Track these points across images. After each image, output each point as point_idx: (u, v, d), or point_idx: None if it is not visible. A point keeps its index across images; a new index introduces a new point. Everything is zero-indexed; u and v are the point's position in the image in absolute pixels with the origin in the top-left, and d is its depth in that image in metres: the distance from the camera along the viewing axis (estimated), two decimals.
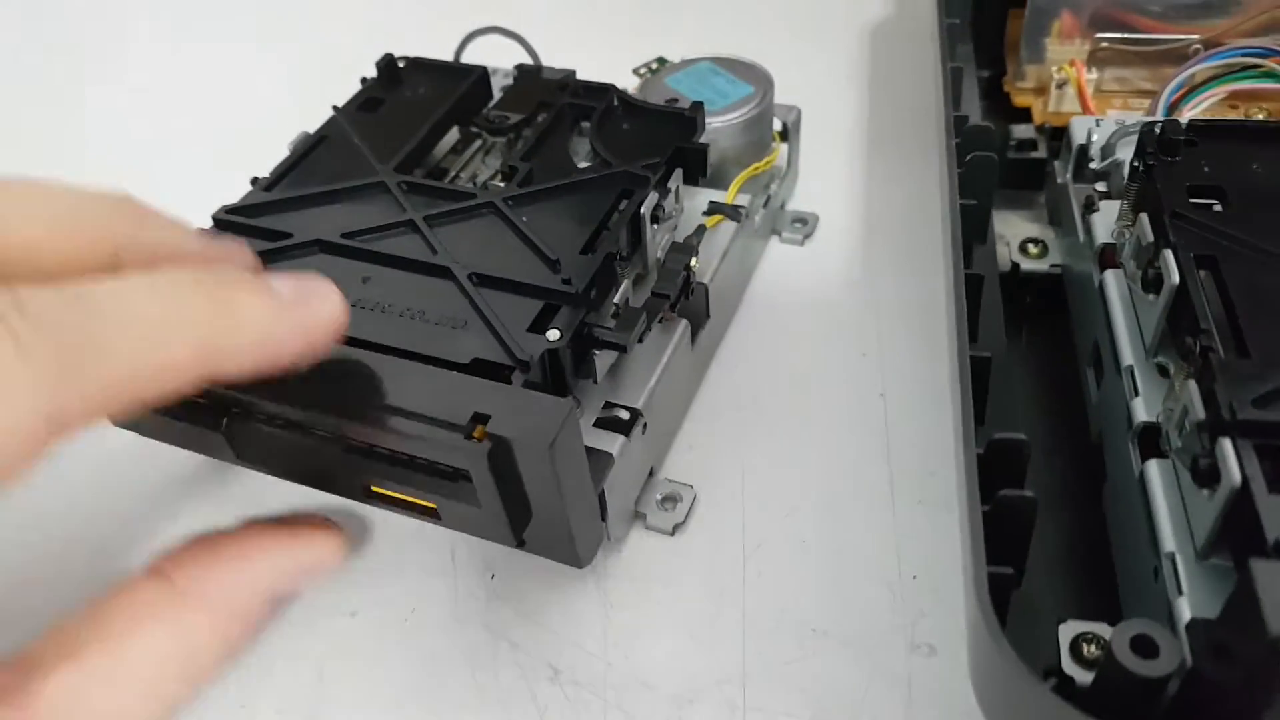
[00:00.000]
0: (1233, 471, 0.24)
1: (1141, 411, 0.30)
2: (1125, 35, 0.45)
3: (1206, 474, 0.26)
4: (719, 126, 0.41)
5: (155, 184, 0.33)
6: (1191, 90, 0.42)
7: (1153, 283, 0.31)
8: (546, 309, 0.32)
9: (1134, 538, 0.29)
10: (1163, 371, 0.31)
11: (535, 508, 0.28)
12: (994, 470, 0.28)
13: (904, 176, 0.49)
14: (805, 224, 0.47)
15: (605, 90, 0.40)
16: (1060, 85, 0.45)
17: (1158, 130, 0.33)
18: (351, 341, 0.30)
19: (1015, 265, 0.40)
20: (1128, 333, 0.32)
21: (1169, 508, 0.28)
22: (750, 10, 0.63)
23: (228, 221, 0.35)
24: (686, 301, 0.36)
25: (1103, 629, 0.27)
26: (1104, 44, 0.45)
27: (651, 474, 0.37)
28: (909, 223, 0.46)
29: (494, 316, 0.31)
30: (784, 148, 0.46)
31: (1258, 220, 0.30)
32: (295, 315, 0.27)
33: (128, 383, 0.24)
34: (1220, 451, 0.25)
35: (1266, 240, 0.29)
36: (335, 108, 0.41)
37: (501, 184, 0.38)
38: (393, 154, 0.38)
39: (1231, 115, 0.43)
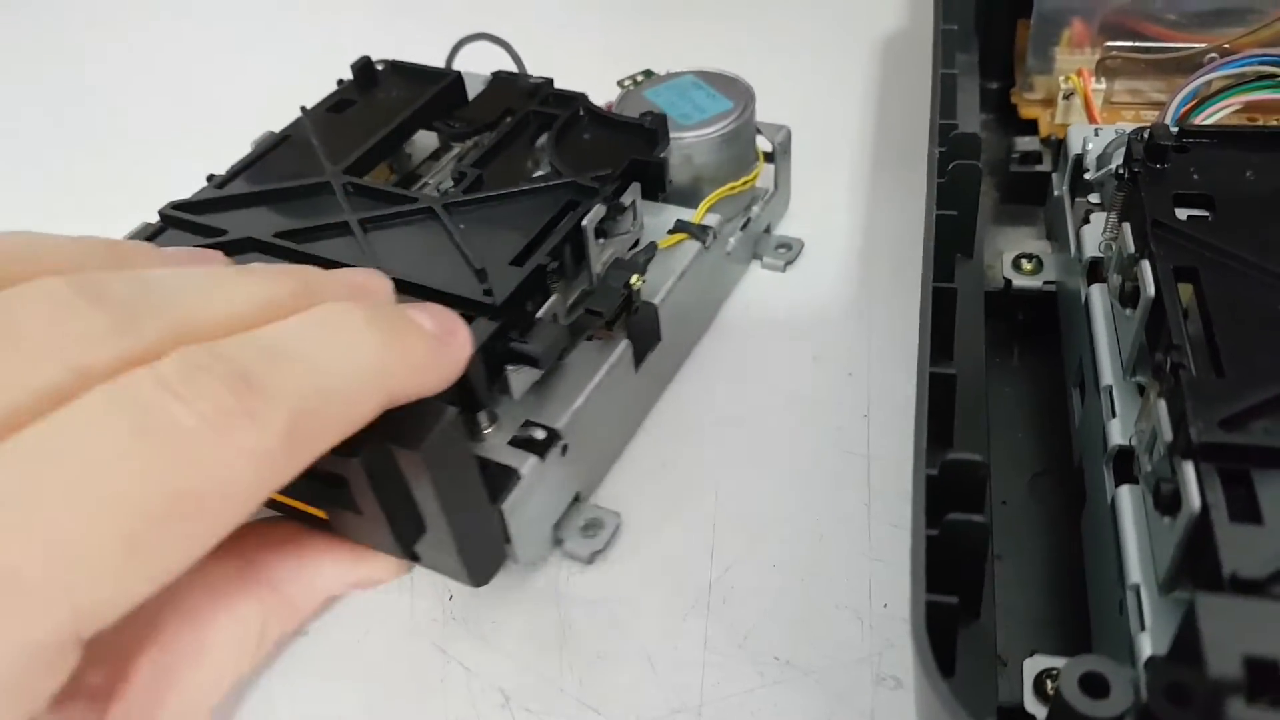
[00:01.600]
0: (1192, 497, 0.23)
1: (1117, 434, 0.28)
2: (1137, 45, 0.43)
3: (1169, 500, 0.24)
4: (691, 141, 0.40)
5: (150, 181, 0.34)
6: (1204, 100, 0.40)
7: (1131, 296, 0.29)
8: (463, 319, 0.30)
9: (1105, 568, 0.28)
10: (1141, 391, 0.29)
11: (425, 520, 0.27)
12: (951, 494, 0.27)
13: (904, 195, 0.47)
14: (789, 249, 0.45)
15: (573, 99, 0.39)
16: (1067, 96, 0.43)
17: (1145, 135, 0.31)
18: None
19: (1007, 282, 0.38)
20: (1108, 350, 0.30)
21: (1137, 537, 0.26)
22: (758, 23, 0.62)
23: (173, 217, 0.35)
24: (631, 320, 0.35)
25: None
26: (1114, 53, 0.43)
27: (578, 499, 0.35)
28: (905, 241, 0.44)
29: None
30: (771, 168, 0.44)
31: (1245, 230, 0.28)
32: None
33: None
34: (1182, 475, 0.23)
35: (1253, 251, 0.28)
36: (303, 108, 0.40)
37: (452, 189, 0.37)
38: (347, 155, 0.37)
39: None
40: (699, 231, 0.39)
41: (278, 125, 0.41)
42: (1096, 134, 0.37)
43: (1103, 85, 0.43)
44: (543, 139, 0.39)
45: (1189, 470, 0.23)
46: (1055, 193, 0.38)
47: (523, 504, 0.31)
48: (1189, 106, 0.40)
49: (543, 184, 0.35)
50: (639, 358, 0.37)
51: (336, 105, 0.41)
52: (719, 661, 0.32)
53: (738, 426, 0.38)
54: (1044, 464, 0.35)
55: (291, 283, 0.26)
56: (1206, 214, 0.29)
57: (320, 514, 0.29)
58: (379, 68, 0.43)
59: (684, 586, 0.34)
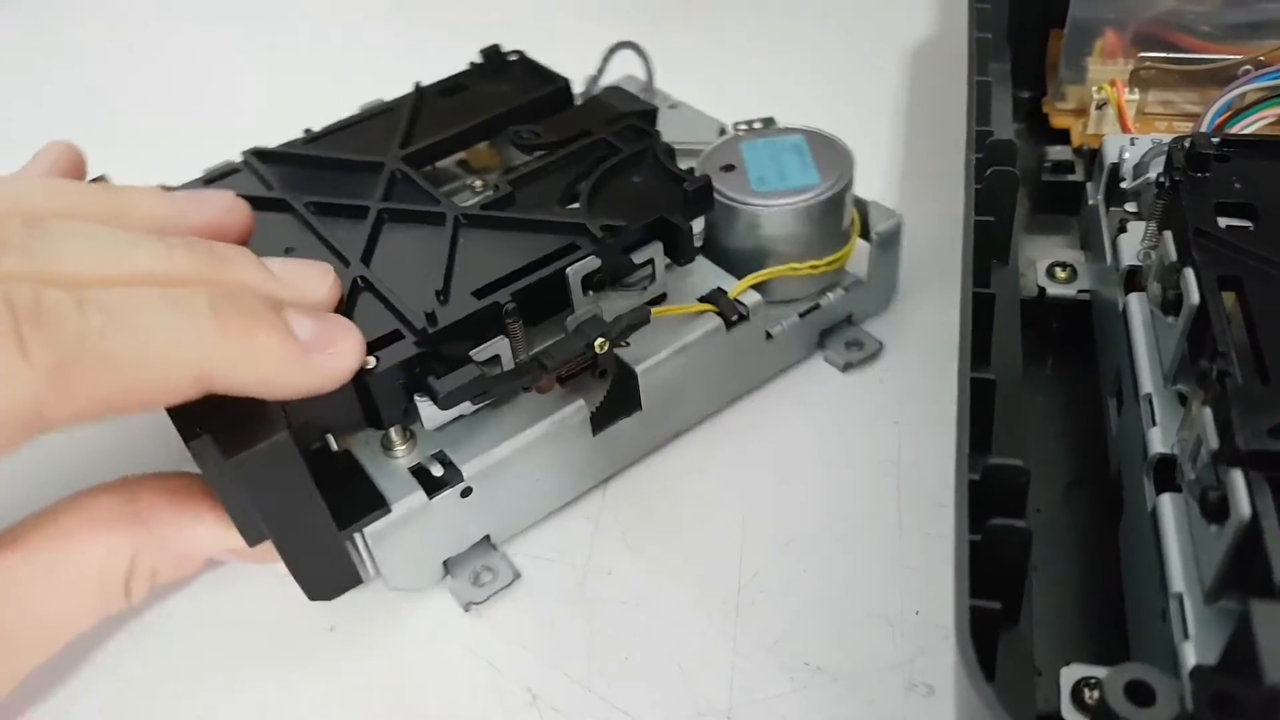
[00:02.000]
0: (1241, 505, 0.22)
1: (1158, 442, 0.28)
2: (1170, 55, 0.43)
3: (1216, 508, 0.24)
4: (756, 210, 0.37)
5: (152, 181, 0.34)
6: (1239, 112, 0.40)
7: (1173, 304, 0.29)
8: (394, 334, 0.31)
9: (1145, 577, 0.27)
10: (1182, 400, 0.29)
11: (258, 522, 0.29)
12: (991, 499, 0.26)
13: (934, 200, 0.47)
14: (860, 349, 0.40)
15: (647, 138, 0.38)
16: (1100, 106, 0.43)
17: (1186, 144, 0.31)
18: None
19: (1041, 290, 0.38)
20: (1148, 358, 0.30)
21: (1180, 545, 0.26)
22: (786, 31, 0.62)
23: (247, 162, 0.38)
24: (597, 380, 0.34)
25: (1105, 673, 0.25)
26: (1148, 64, 0.43)
27: (489, 539, 0.35)
28: (936, 249, 0.44)
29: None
30: (867, 254, 0.40)
31: None
32: (309, 360, 0.27)
33: (120, 394, 0.25)
34: (1230, 483, 0.23)
35: None
36: (418, 84, 0.41)
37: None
38: (418, 141, 0.38)
39: None
40: (727, 307, 0.36)
41: (280, 126, 0.41)
42: (1132, 143, 0.37)
43: (1136, 96, 0.43)
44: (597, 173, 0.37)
45: (1237, 478, 0.23)
46: (1090, 202, 0.38)
47: (393, 535, 0.32)
48: (1223, 118, 0.40)
49: (553, 219, 0.34)
50: (601, 422, 0.35)
51: (450, 88, 0.41)
52: (748, 666, 0.31)
53: (766, 432, 0.38)
54: (1078, 473, 0.34)
55: (197, 263, 0.27)
56: (1248, 223, 0.29)
57: None
58: (510, 58, 0.43)
59: (712, 590, 0.33)
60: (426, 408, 0.31)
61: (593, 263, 0.33)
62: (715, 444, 0.38)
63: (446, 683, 0.32)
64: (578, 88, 0.44)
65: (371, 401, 0.30)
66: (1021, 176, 0.44)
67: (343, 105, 0.42)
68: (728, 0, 0.66)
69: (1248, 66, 0.42)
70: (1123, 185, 0.35)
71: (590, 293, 0.34)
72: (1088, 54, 0.44)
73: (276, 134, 0.40)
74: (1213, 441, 0.24)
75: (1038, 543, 0.33)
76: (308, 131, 0.40)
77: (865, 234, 0.39)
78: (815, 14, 0.63)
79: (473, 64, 0.43)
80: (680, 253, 0.35)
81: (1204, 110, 0.40)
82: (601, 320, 0.33)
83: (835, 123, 0.41)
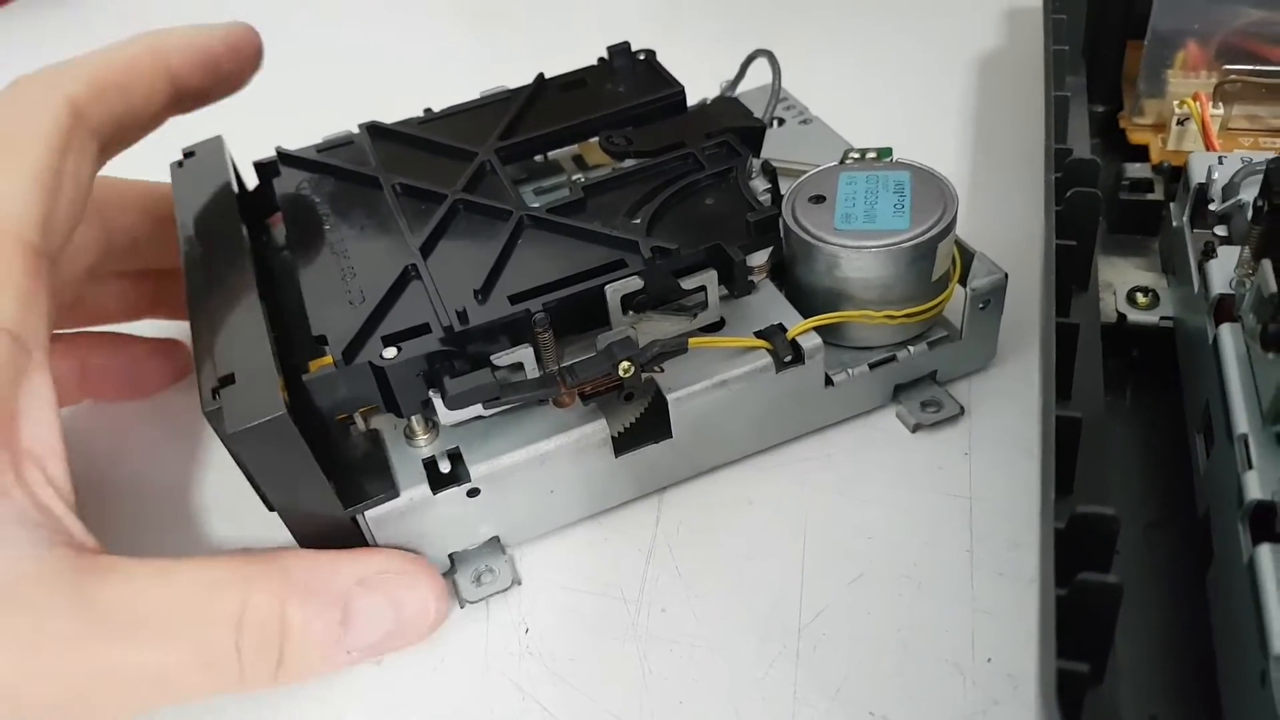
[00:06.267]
0: None
1: (1255, 488, 0.26)
2: (1257, 70, 0.40)
3: None
4: (833, 249, 0.34)
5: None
6: None
7: (1274, 339, 0.27)
8: (423, 327, 0.31)
9: (1241, 633, 0.25)
10: None
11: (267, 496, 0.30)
12: (1078, 548, 0.25)
13: (1007, 215, 0.45)
14: (937, 409, 0.37)
15: (737, 159, 0.36)
16: (1181, 121, 0.41)
17: None
18: (260, 254, 0.35)
19: (1121, 316, 0.36)
20: (1243, 396, 0.28)
21: None
22: (855, 44, 0.60)
23: (361, 136, 0.40)
24: (625, 406, 0.33)
25: None
26: (1233, 77, 0.41)
27: (499, 541, 0.34)
28: (1008, 266, 0.42)
29: (381, 312, 0.32)
30: (963, 311, 0.37)
31: None
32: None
33: None
34: None
35: None
36: (540, 74, 0.41)
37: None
38: (518, 134, 0.39)
39: None
40: (781, 346, 0.34)
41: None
42: (1220, 162, 0.35)
43: (1220, 110, 0.41)
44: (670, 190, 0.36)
45: None
46: (1174, 224, 0.36)
47: (394, 522, 0.32)
48: None
49: (607, 232, 0.34)
50: (626, 445, 0.34)
51: (570, 83, 0.42)
52: (810, 714, 0.30)
53: (826, 463, 0.36)
54: (1160, 513, 0.33)
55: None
56: None
57: None
58: (639, 57, 0.42)
59: (772, 630, 0.32)
60: (443, 405, 0.31)
61: (635, 283, 0.32)
62: (774, 475, 0.36)
63: None
64: (714, 93, 0.43)
65: (389, 391, 0.31)
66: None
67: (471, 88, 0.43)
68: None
69: None
70: (1211, 207, 0.33)
71: (630, 313, 0.33)
72: (1168, 66, 0.42)
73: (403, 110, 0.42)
74: None
75: None
76: (427, 111, 0.41)
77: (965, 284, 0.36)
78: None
79: (601, 59, 0.43)
80: (735, 284, 0.34)
81: None
82: (633, 343, 0.32)
83: (903, 134, 0.39)
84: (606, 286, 0.32)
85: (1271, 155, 0.36)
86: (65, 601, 0.26)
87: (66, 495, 0.28)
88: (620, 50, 0.42)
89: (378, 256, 0.34)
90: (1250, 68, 0.41)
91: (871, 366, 0.36)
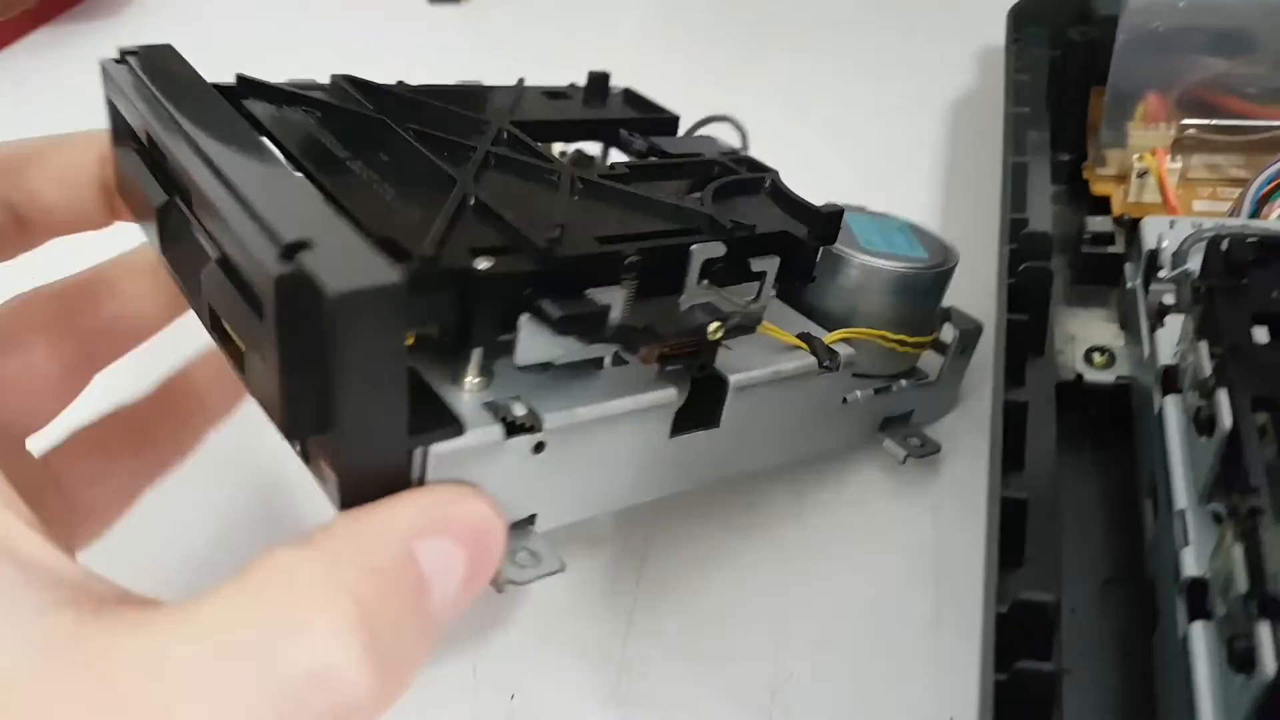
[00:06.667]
0: (1267, 662, 0.22)
1: (1191, 564, 0.28)
2: (1214, 123, 0.42)
3: (1243, 658, 0.23)
4: (859, 265, 0.36)
5: None
6: None
7: (1206, 424, 0.28)
8: (509, 248, 0.27)
9: (1178, 702, 0.27)
10: (1218, 518, 0.28)
11: (334, 405, 0.23)
12: (1019, 632, 0.26)
13: (975, 264, 0.46)
14: (922, 444, 0.38)
15: (763, 169, 0.36)
16: (1141, 174, 0.42)
17: (1223, 247, 0.31)
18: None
19: (1079, 376, 0.37)
20: (1184, 471, 0.30)
21: (1210, 682, 0.25)
22: (824, 88, 0.62)
23: (337, 85, 0.35)
24: (694, 378, 0.32)
25: None
26: (1190, 130, 0.42)
27: (532, 520, 0.31)
28: (974, 314, 0.44)
29: (455, 223, 0.28)
30: (947, 355, 0.38)
31: None
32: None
33: None
34: (1257, 636, 0.23)
35: None
36: (520, 79, 0.40)
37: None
38: (527, 114, 0.37)
39: None
40: (821, 350, 0.34)
41: None
42: (1171, 226, 0.36)
43: (1178, 164, 0.42)
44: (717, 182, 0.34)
45: (1265, 632, 0.23)
46: (1129, 284, 0.37)
47: (459, 463, 0.27)
48: (1269, 189, 0.39)
49: (679, 203, 0.32)
50: (679, 427, 0.32)
51: (553, 92, 0.40)
52: None
53: (799, 522, 0.38)
54: (1115, 570, 0.34)
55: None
56: None
57: (239, 346, 0.25)
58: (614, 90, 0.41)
59: (745, 694, 0.33)
60: (530, 335, 0.28)
61: (718, 249, 0.30)
62: (751, 530, 0.38)
63: None
64: None
65: (468, 312, 0.26)
66: (1061, 244, 0.43)
67: None
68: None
69: None
70: (1161, 274, 0.35)
71: (705, 282, 0.31)
72: (1129, 118, 0.44)
73: None
74: (1241, 584, 0.24)
75: (1072, 644, 0.32)
76: (400, 83, 0.37)
77: (937, 341, 0.38)
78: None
79: (573, 85, 0.41)
80: (802, 272, 0.33)
81: (1247, 186, 0.39)
82: (717, 307, 0.30)
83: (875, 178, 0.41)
84: (692, 247, 0.30)
85: (1221, 219, 0.37)
86: (70, 686, 0.20)
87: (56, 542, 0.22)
88: (600, 76, 0.41)
89: (419, 181, 0.30)
90: (1205, 121, 0.42)
91: (876, 391, 0.37)
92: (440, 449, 0.26)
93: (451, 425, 0.26)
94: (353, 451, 0.24)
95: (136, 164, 0.29)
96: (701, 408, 0.32)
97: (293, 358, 0.22)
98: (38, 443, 0.31)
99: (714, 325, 0.30)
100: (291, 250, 0.22)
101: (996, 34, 0.51)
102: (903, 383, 0.38)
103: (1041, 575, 0.28)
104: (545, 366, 0.29)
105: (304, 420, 0.23)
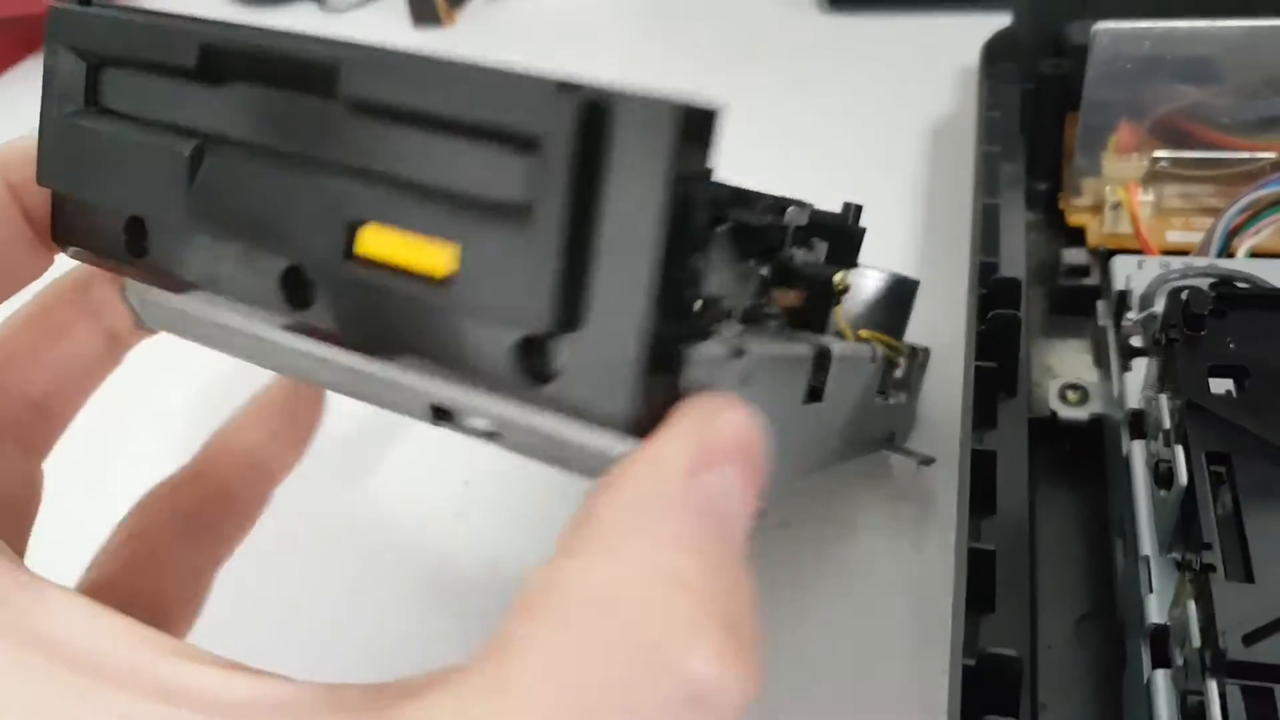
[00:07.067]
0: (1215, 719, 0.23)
1: (1154, 611, 0.29)
2: (1185, 156, 0.43)
3: (1193, 712, 0.25)
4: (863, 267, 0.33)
5: None
6: (1256, 214, 0.40)
7: (1165, 478, 0.29)
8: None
9: None
10: (1180, 566, 0.29)
11: (600, 270, 0.18)
12: (986, 686, 0.27)
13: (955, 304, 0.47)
14: (919, 457, 0.38)
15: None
16: (1115, 207, 0.43)
17: (1183, 297, 0.31)
18: None
19: (1053, 412, 0.38)
20: (1149, 517, 0.31)
21: None
22: (796, 113, 0.62)
23: None
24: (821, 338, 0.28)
25: None
26: (1162, 161, 0.43)
27: None
28: (955, 349, 0.45)
29: None
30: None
31: (1276, 409, 0.29)
32: None
33: None
34: (1207, 694, 0.24)
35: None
36: None
37: None
38: None
39: None
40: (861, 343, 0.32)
41: None
42: (1140, 267, 0.37)
43: (1151, 197, 0.43)
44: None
45: (1213, 690, 0.24)
46: (1100, 322, 0.38)
47: (709, 375, 0.21)
48: (1240, 220, 0.40)
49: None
50: (812, 392, 0.28)
51: None
52: None
53: (786, 560, 0.39)
54: (1092, 605, 0.35)
55: None
56: (1241, 387, 0.30)
57: (447, 253, 0.19)
58: None
59: None
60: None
61: (804, 215, 0.27)
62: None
63: None
64: None
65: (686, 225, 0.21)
66: (1037, 275, 0.44)
67: None
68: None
69: (1267, 164, 0.41)
70: (1129, 316, 0.36)
71: (798, 249, 0.28)
72: (1102, 148, 0.44)
73: None
74: (1195, 639, 0.25)
75: (1049, 681, 0.33)
76: None
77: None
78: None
79: None
80: (845, 259, 0.30)
81: (1226, 206, 0.39)
82: (819, 265, 0.29)
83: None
84: (789, 209, 0.27)
85: (1193, 254, 0.38)
86: None
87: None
88: None
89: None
90: (1176, 154, 0.43)
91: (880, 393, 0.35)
92: (699, 353, 0.21)
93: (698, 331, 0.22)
94: (629, 347, 0.18)
95: (125, 127, 0.23)
96: (821, 366, 0.29)
97: (578, 219, 0.18)
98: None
99: (840, 275, 0.28)
100: (568, 87, 0.18)
101: (971, 55, 0.52)
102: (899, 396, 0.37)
103: (1011, 625, 0.29)
104: None
105: (569, 307, 0.18)
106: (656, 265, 0.18)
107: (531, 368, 0.19)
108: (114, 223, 0.24)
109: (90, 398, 0.29)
